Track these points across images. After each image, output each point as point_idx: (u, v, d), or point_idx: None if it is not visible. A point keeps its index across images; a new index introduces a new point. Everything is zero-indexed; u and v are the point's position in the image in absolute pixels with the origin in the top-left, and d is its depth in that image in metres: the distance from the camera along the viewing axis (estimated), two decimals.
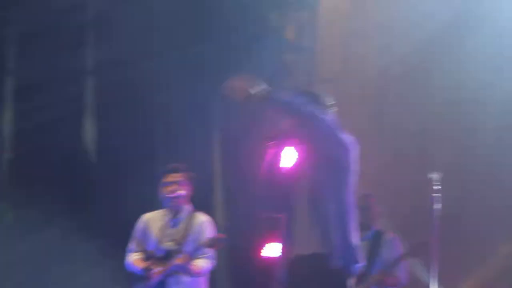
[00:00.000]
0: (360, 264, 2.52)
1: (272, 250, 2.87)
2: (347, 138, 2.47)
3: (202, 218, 4.04)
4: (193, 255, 3.85)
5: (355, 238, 2.49)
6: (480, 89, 5.20)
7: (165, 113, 5.22)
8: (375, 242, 4.20)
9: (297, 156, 2.57)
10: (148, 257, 3.95)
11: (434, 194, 3.54)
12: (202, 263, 3.89)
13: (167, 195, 3.94)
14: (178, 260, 3.83)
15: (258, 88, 2.29)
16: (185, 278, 3.89)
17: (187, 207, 4.04)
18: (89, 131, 5.39)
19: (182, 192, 3.95)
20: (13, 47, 5.34)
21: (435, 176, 3.62)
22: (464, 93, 5.22)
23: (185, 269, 3.85)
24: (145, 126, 5.37)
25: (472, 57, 5.15)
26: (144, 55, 5.09)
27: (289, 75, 5.15)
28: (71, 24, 5.24)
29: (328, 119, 2.45)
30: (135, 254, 4.02)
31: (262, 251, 3.07)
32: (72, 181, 5.36)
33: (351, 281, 2.52)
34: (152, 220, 4.08)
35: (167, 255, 3.91)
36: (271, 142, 2.61)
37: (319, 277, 2.52)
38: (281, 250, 2.74)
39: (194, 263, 3.86)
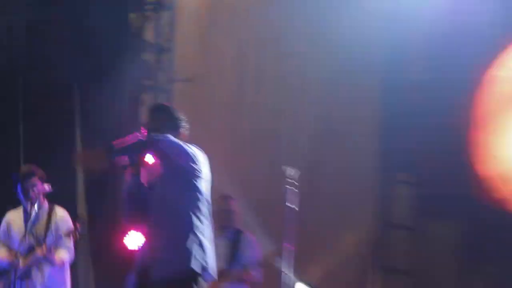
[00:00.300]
0: (212, 268, 2.78)
1: (131, 241, 3.13)
2: (195, 150, 2.81)
3: (60, 213, 4.34)
4: (54, 246, 4.14)
5: (208, 242, 2.78)
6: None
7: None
8: (235, 241, 4.48)
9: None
10: (14, 253, 4.16)
11: (287, 187, 3.90)
12: (63, 254, 4.18)
13: (24, 197, 4.15)
14: (39, 252, 4.11)
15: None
16: (48, 269, 4.19)
17: (45, 205, 4.30)
18: None
19: (38, 193, 4.19)
20: None
21: (289, 170, 3.99)
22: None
23: (47, 260, 4.14)
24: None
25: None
26: None
27: (150, 75, 5.33)
28: None
29: (169, 140, 2.80)
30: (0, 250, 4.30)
31: (122, 242, 3.32)
32: None
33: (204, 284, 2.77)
34: (13, 220, 4.33)
35: (30, 250, 4.16)
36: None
37: (168, 281, 2.74)
38: (139, 243, 3.05)
39: (56, 254, 4.14)
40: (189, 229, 2.80)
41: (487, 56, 4.83)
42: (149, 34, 5.69)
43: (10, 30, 4.95)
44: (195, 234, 2.80)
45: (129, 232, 3.11)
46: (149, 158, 2.92)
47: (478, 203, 4.65)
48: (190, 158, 2.82)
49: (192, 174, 2.83)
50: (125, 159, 2.93)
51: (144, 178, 2.98)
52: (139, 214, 2.98)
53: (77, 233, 4.17)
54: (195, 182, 2.85)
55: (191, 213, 2.86)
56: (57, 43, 4.88)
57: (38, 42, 5.09)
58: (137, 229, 3.07)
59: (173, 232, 2.85)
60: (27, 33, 5.14)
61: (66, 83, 4.88)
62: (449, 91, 4.81)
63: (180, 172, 2.84)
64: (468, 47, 4.97)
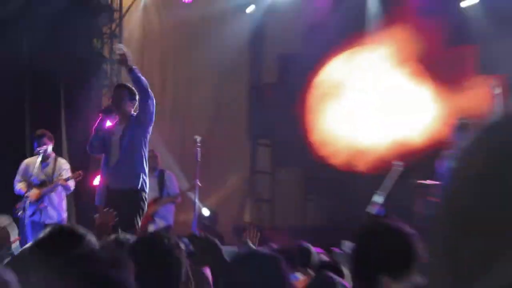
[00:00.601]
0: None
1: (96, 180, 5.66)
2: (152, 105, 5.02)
3: (62, 161, 6.65)
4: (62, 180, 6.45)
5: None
6: None
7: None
8: (160, 178, 6.92)
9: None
10: (28, 185, 6.31)
11: (197, 148, 6.53)
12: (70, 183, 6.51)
13: (39, 149, 6.29)
14: (61, 181, 6.37)
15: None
16: (52, 196, 6.51)
17: (52, 155, 6.52)
18: None
19: (48, 147, 6.38)
20: None
21: (197, 137, 6.61)
22: None
23: (64, 186, 6.44)
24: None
25: None
26: None
27: (107, 78, 7.95)
28: None
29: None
30: (20, 183, 6.41)
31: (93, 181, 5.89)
32: None
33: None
34: (30, 163, 6.46)
35: (41, 184, 6.41)
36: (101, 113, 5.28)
37: (124, 197, 4.92)
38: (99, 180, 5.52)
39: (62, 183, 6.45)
40: (141, 163, 5.05)
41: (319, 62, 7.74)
42: (106, 52, 7.93)
43: None
44: (143, 167, 5.08)
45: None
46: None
47: (311, 157, 7.58)
48: (151, 120, 4.98)
49: (149, 129, 5.01)
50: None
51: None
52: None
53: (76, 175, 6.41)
54: (148, 134, 5.04)
55: (143, 154, 5.07)
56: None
57: None
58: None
59: (132, 162, 5.04)
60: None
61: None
62: (293, 87, 7.74)
63: (145, 128, 5.01)
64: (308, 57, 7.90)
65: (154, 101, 5.07)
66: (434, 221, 0.68)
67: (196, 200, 6.64)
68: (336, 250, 5.15)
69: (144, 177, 5.16)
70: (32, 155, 6.62)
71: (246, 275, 2.11)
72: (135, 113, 5.17)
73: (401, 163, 6.18)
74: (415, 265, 1.81)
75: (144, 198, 5.11)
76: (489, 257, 0.63)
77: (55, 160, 6.62)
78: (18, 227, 6.04)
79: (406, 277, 1.77)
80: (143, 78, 4.98)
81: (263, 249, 3.19)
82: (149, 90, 5.04)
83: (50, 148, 6.45)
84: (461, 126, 5.54)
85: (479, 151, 0.68)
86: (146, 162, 5.20)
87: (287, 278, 2.24)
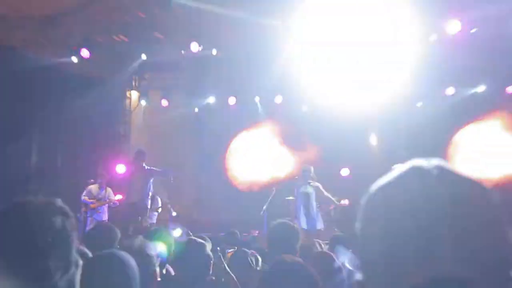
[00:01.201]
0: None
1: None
2: None
3: (109, 189, 12.42)
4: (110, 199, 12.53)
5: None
6: None
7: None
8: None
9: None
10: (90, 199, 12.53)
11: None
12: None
13: (100, 181, 12.61)
14: (107, 202, 12.45)
15: None
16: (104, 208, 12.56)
17: (104, 185, 12.42)
18: None
19: (102, 180, 12.39)
20: None
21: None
22: None
23: (109, 202, 12.38)
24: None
25: None
26: None
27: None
28: None
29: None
30: (85, 197, 12.15)
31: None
32: None
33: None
34: (92, 187, 12.29)
35: (98, 200, 12.28)
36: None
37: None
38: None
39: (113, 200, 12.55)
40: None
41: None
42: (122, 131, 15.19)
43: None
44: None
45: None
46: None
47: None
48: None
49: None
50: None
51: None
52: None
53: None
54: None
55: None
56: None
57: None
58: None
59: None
60: None
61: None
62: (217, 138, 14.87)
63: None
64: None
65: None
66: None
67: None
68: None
69: None
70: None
71: None
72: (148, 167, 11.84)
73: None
74: None
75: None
76: None
77: (106, 188, 12.33)
78: (80, 223, 12.71)
79: None
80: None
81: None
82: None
83: (104, 181, 12.57)
84: None
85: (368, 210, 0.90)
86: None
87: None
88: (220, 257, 4.34)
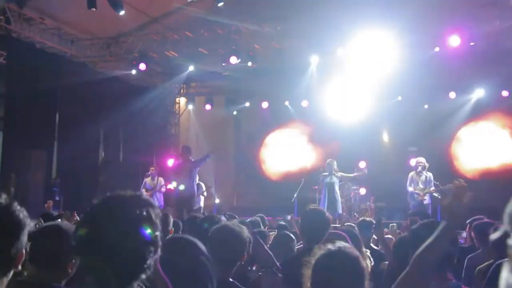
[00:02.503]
0: None
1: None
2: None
3: (161, 178, 14.73)
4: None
5: None
6: None
7: None
8: None
9: None
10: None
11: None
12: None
13: (151, 174, 15.09)
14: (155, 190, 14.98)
15: None
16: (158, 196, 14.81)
17: (156, 176, 14.77)
18: None
19: (154, 172, 15.04)
20: None
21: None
22: None
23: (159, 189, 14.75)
24: None
25: None
26: None
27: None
28: None
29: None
30: (143, 189, 14.63)
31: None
32: None
33: None
34: (148, 180, 14.87)
35: (151, 189, 14.77)
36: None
37: None
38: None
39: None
40: None
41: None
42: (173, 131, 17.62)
43: None
44: None
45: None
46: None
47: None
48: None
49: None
50: None
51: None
52: None
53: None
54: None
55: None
56: None
57: None
58: None
59: None
60: None
61: None
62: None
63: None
64: None
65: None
66: None
67: None
68: None
69: None
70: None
71: None
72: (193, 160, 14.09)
73: None
74: None
75: None
76: None
77: (158, 178, 14.44)
78: None
79: None
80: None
81: None
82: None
83: (155, 173, 14.70)
84: None
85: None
86: None
87: None
88: (258, 239, 4.30)
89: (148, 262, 1.74)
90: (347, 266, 2.28)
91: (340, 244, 2.39)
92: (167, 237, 2.55)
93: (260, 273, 4.01)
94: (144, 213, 1.75)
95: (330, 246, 2.35)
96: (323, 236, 4.01)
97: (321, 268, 2.28)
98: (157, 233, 1.78)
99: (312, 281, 2.28)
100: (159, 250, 1.81)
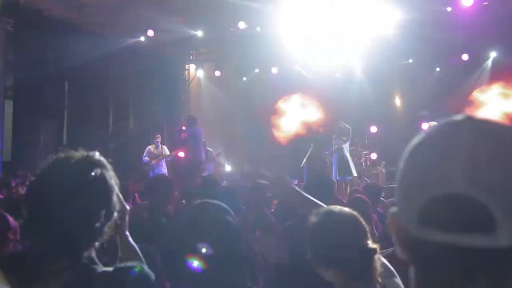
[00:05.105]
0: None
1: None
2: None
3: (165, 147, 14.15)
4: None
5: None
6: None
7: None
8: None
9: None
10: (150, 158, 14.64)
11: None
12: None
13: (156, 141, 14.64)
14: (162, 157, 14.77)
15: None
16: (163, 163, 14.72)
17: (159, 143, 14.30)
18: None
19: (159, 140, 14.41)
20: None
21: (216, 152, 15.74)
22: None
23: (164, 157, 14.68)
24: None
25: None
26: None
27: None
28: None
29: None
30: (146, 157, 14.11)
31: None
32: None
33: None
34: (152, 147, 14.18)
35: (156, 157, 14.45)
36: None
37: None
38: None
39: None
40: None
41: None
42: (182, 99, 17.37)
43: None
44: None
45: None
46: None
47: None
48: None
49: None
50: None
51: None
52: None
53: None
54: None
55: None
56: None
57: None
58: None
59: None
60: None
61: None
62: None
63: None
64: None
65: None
66: None
67: None
68: None
69: None
70: None
71: None
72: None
73: None
74: None
75: None
76: None
77: (161, 146, 13.92)
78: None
79: None
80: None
81: None
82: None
83: (159, 141, 14.05)
84: None
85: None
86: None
87: None
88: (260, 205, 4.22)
89: (98, 226, 1.62)
90: (344, 224, 2.26)
91: (339, 207, 2.39)
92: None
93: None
94: (95, 174, 1.65)
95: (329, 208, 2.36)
96: (327, 201, 3.80)
97: (319, 227, 2.26)
98: (112, 196, 1.67)
99: (309, 239, 2.27)
100: (119, 215, 1.71)
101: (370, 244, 2.22)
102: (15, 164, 11.36)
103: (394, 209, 0.95)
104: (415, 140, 0.90)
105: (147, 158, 14.04)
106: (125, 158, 15.33)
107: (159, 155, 14.09)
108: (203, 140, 13.73)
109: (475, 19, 14.05)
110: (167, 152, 14.17)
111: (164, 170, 13.99)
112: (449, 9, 13.78)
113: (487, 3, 13.90)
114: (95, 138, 14.38)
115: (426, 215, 0.83)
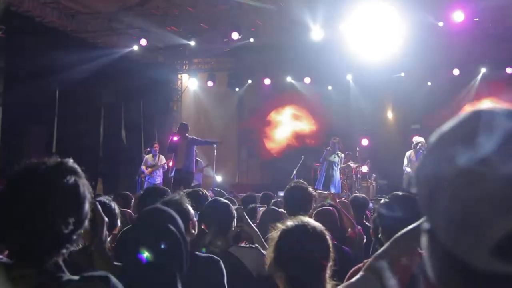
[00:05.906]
0: None
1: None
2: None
3: (162, 156, 14.35)
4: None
5: None
6: None
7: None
8: None
9: None
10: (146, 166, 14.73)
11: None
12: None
13: (153, 151, 14.83)
14: (157, 167, 14.82)
15: None
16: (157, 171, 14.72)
17: (157, 153, 14.49)
18: None
19: (156, 151, 14.56)
20: None
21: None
22: None
23: (162, 168, 14.52)
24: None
25: None
26: None
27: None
28: None
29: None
30: (143, 166, 14.60)
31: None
32: None
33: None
34: (148, 157, 14.63)
35: (152, 166, 14.50)
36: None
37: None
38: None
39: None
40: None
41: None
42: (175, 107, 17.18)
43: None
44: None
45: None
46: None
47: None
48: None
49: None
50: None
51: None
52: None
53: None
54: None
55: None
56: None
57: None
58: None
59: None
60: None
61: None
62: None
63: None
64: None
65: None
66: None
67: None
68: None
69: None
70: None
71: None
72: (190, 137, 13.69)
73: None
74: None
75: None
76: None
77: (158, 155, 14.13)
78: (140, 185, 14.84)
79: None
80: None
81: None
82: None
83: (157, 150, 14.44)
84: None
85: None
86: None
87: None
88: (244, 214, 4.06)
89: (66, 234, 1.57)
90: (309, 239, 2.25)
91: (306, 219, 2.37)
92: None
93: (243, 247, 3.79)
94: (66, 180, 1.61)
95: (295, 221, 2.33)
96: (306, 211, 4.03)
97: (283, 241, 2.25)
98: (83, 204, 1.63)
99: (274, 254, 2.26)
100: (93, 225, 1.74)
101: (323, 259, 2.22)
102: (4, 171, 11.16)
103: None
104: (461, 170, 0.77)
105: (144, 167, 14.07)
106: (116, 167, 15.20)
107: (155, 164, 14.13)
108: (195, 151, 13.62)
109: (466, 34, 14.09)
110: (163, 161, 14.16)
111: (159, 180, 13.93)
112: (440, 24, 13.79)
113: (478, 19, 13.94)
114: (85, 147, 14.41)
115: (502, 247, 0.74)
